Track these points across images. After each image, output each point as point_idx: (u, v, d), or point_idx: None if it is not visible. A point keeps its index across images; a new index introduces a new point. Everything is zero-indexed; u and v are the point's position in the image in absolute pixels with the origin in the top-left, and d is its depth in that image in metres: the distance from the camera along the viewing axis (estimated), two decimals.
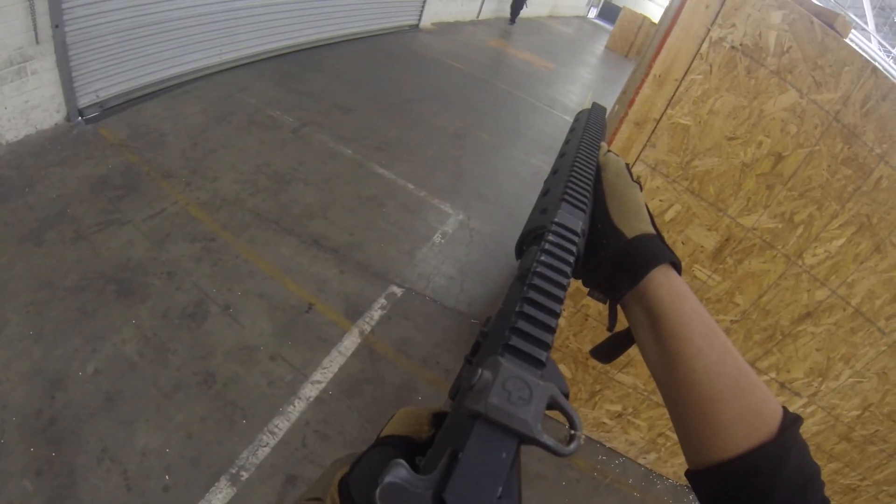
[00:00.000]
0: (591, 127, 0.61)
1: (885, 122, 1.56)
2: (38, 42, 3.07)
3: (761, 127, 1.64)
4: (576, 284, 1.84)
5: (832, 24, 1.45)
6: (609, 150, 0.58)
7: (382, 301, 3.04)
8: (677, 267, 0.48)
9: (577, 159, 0.52)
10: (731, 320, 2.14)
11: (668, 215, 1.93)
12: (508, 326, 0.30)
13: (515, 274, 0.39)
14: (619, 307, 0.52)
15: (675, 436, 2.56)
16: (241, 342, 2.51)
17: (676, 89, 1.66)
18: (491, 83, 7.26)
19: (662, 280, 0.46)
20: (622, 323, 0.52)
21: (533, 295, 0.32)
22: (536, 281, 0.33)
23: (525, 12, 13.50)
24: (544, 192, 0.49)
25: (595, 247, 0.49)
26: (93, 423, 2.01)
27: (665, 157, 1.80)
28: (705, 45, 1.55)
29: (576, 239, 0.40)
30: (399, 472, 0.23)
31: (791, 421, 0.40)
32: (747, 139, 1.67)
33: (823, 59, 1.50)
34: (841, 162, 1.65)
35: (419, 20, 8.50)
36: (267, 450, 2.14)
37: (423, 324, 3.00)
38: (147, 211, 3.03)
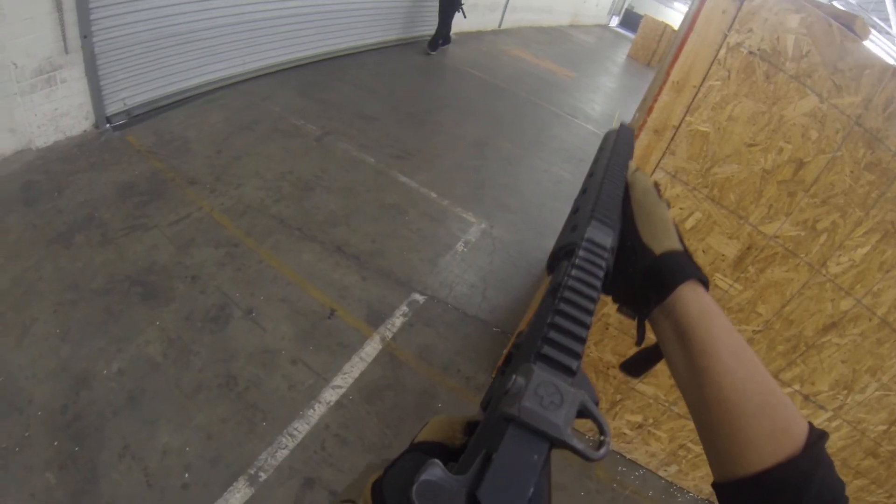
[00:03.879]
0: (619, 147, 0.62)
1: None
2: (67, 52, 3.20)
3: (781, 133, 1.62)
4: (604, 299, 1.83)
5: (851, 26, 1.43)
6: (637, 169, 0.59)
7: (404, 308, 3.06)
8: (705, 283, 0.49)
9: (606, 178, 0.53)
10: (754, 330, 2.11)
11: (689, 223, 1.91)
12: (541, 336, 0.31)
13: (547, 288, 0.40)
14: (647, 322, 0.52)
15: (696, 448, 2.53)
16: (262, 346, 2.56)
17: (695, 96, 1.65)
18: (512, 92, 7.28)
19: (691, 296, 0.47)
20: (650, 338, 0.53)
21: (564, 307, 0.33)
22: (568, 294, 0.34)
23: (546, 20, 13.47)
24: (574, 210, 0.51)
25: (624, 263, 0.50)
26: (116, 420, 2.07)
27: (685, 164, 1.78)
28: (723, 51, 1.54)
29: (605, 255, 0.41)
30: (434, 471, 0.24)
31: (817, 437, 0.41)
32: (767, 145, 1.65)
33: (843, 62, 1.48)
34: (864, 167, 1.61)
35: None
36: (286, 452, 2.17)
37: (444, 331, 3.01)
38: (172, 216, 3.11)
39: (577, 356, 0.30)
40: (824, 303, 1.95)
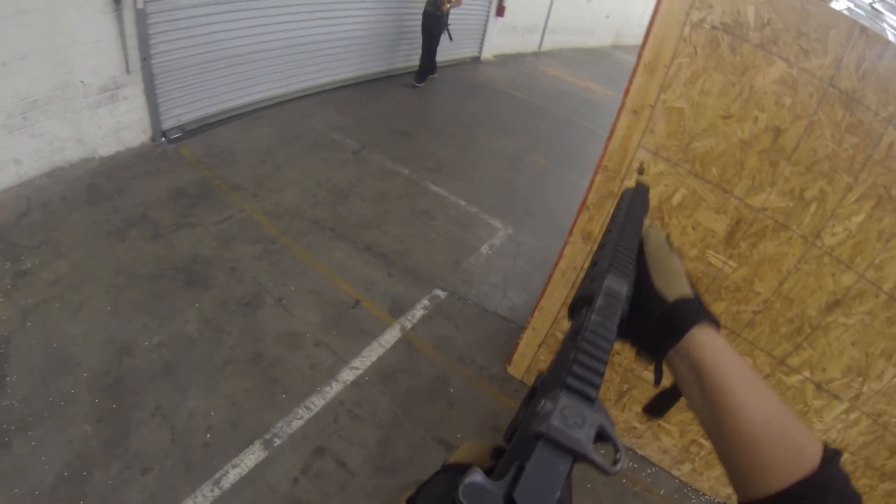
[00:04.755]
0: (634, 204, 0.68)
1: (886, 82, 1.51)
2: (128, 72, 3.61)
3: (754, 102, 1.66)
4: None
5: None
6: (651, 225, 0.66)
7: (426, 302, 3.21)
8: (716, 325, 0.53)
9: (622, 234, 0.58)
10: (754, 311, 2.06)
11: (675, 200, 1.95)
12: (565, 370, 0.35)
13: (568, 332, 0.46)
14: (664, 365, 0.56)
15: (708, 444, 2.48)
16: (289, 329, 2.77)
17: (666, 74, 1.73)
18: (549, 110, 7.39)
19: (704, 339, 0.51)
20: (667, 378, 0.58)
21: (586, 346, 0.37)
22: (588, 335, 0.39)
23: (588, 41, 13.39)
24: (593, 264, 0.56)
25: (640, 311, 0.54)
26: (151, 385, 2.32)
27: (664, 141, 1.85)
28: (687, 29, 1.63)
29: (621, 302, 0.45)
30: (476, 476, 0.28)
31: (831, 455, 0.44)
32: (742, 116, 1.70)
33: (806, 25, 1.51)
34: (845, 130, 1.60)
35: (480, 52, 8.84)
36: (301, 422, 2.33)
37: (462, 325, 3.13)
38: (216, 217, 3.44)
39: (596, 387, 0.34)
40: (824, 278, 1.89)
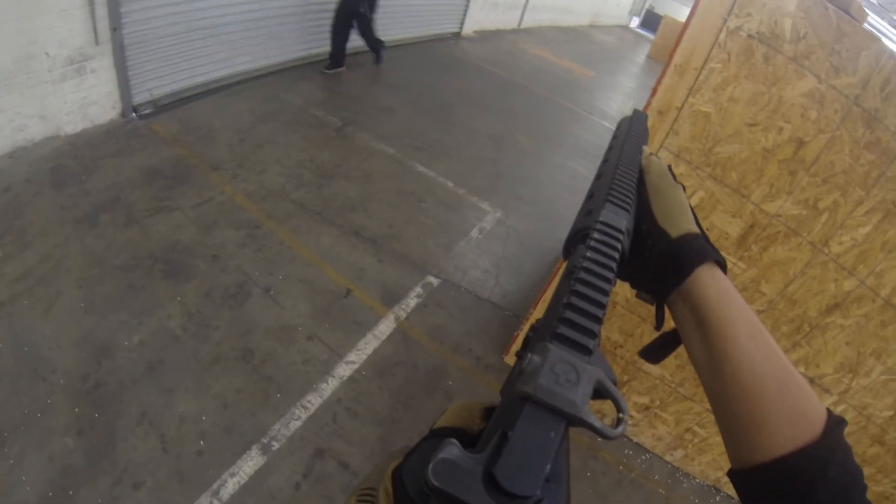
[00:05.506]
0: (632, 132, 0.62)
1: None
2: (97, 43, 3.35)
3: (781, 113, 1.67)
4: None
5: (847, 9, 1.47)
6: (651, 153, 0.59)
7: (418, 290, 3.15)
8: (723, 265, 0.49)
9: (621, 163, 0.54)
10: (758, 310, 2.13)
11: (693, 202, 1.95)
12: (556, 317, 0.31)
13: (563, 272, 0.41)
14: (666, 307, 0.52)
15: (702, 432, 2.55)
16: (279, 322, 2.66)
17: (697, 78, 1.70)
18: (531, 89, 7.33)
19: (708, 279, 0.47)
20: (669, 323, 0.53)
21: (579, 287, 0.33)
22: (583, 275, 0.35)
23: (566, 20, 13.41)
24: (589, 196, 0.51)
25: (641, 248, 0.50)
26: (135, 389, 2.17)
27: (688, 144, 1.83)
28: (723, 35, 1.60)
29: (620, 236, 0.41)
30: (451, 450, 0.24)
31: (835, 423, 0.41)
32: (768, 125, 1.70)
33: (840, 44, 1.52)
34: (864, 146, 1.65)
35: (461, 28, 8.68)
36: (298, 423, 2.25)
37: (457, 313, 3.09)
38: (195, 199, 3.24)
39: (594, 335, 0.30)
40: (827, 283, 1.97)
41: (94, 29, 3.27)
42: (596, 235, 0.40)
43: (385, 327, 2.83)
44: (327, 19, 5.40)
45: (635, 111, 0.70)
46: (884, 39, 1.48)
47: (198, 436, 2.09)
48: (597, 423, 0.26)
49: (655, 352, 0.56)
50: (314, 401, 2.36)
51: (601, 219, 0.43)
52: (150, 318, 2.47)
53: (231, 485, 1.96)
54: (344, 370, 2.53)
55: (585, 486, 2.52)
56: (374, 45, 5.94)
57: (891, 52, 1.49)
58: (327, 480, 2.07)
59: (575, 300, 0.32)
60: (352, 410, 2.37)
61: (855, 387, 2.18)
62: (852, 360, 2.12)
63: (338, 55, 5.53)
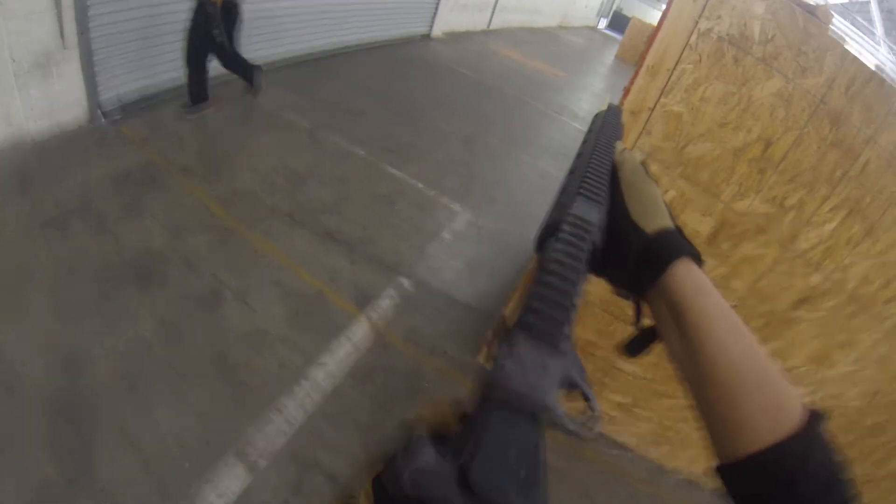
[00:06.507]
0: (606, 127, 0.62)
1: (871, 104, 1.62)
2: (64, 47, 3.23)
3: (751, 112, 1.71)
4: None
5: (813, 12, 1.52)
6: (625, 148, 0.58)
7: (392, 292, 3.13)
8: (698, 260, 0.48)
9: (593, 157, 0.53)
10: (730, 306, 2.18)
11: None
12: (524, 309, 0.30)
13: (535, 267, 0.40)
14: (644, 303, 0.52)
15: (685, 428, 2.59)
16: (253, 326, 2.61)
17: (669, 78, 1.73)
18: (501, 91, 7.38)
19: (684, 274, 0.46)
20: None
21: (546, 277, 0.32)
22: (551, 265, 0.34)
23: (535, 21, 13.56)
24: (562, 190, 0.50)
25: (616, 244, 0.49)
26: (110, 402, 2.09)
27: (660, 143, 1.87)
28: (694, 37, 1.64)
29: (591, 228, 0.41)
30: (425, 458, 0.24)
31: (815, 417, 0.40)
32: (738, 124, 1.75)
33: (807, 45, 1.57)
34: (830, 145, 1.71)
35: (430, 29, 8.68)
36: (283, 439, 2.19)
37: (430, 314, 3.08)
38: (166, 204, 3.16)
39: (560, 325, 0.29)
40: (795, 278, 2.04)
41: (61, 32, 3.16)
42: (566, 228, 0.40)
43: (359, 330, 2.80)
44: (294, 22, 5.37)
45: (610, 105, 0.70)
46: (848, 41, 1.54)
47: (179, 452, 2.01)
48: (565, 420, 0.26)
49: (636, 346, 0.56)
50: (290, 405, 2.31)
51: (572, 211, 0.42)
52: (123, 326, 2.39)
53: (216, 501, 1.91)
54: (318, 373, 2.49)
55: (570, 486, 2.54)
56: (244, 70, 4.57)
57: (853, 56, 1.55)
58: (315, 495, 2.02)
59: (543, 290, 0.31)
60: (327, 414, 2.33)
61: (825, 378, 2.25)
62: (821, 353, 2.19)
63: (198, 88, 4.20)
